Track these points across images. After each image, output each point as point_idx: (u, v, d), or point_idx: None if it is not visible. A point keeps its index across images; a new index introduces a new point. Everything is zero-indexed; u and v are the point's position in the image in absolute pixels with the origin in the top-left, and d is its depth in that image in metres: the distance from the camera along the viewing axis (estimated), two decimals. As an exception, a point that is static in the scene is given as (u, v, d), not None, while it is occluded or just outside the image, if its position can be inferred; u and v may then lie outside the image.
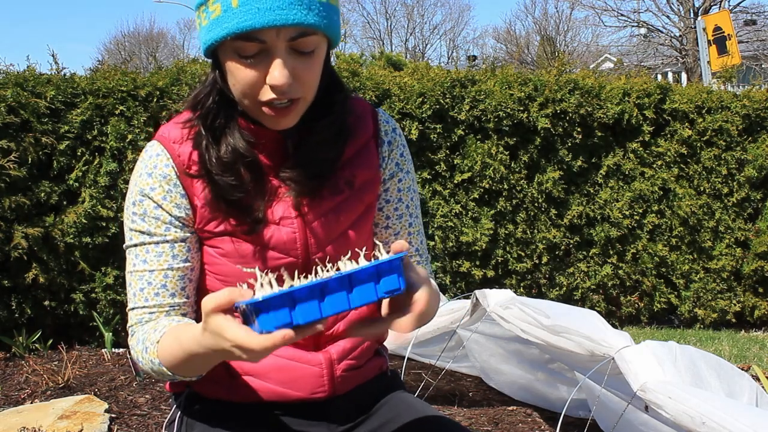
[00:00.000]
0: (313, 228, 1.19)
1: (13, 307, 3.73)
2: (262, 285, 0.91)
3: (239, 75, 1.07)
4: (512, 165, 4.54)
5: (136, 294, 1.16)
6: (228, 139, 1.14)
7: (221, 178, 1.13)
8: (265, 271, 0.97)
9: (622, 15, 23.35)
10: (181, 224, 1.16)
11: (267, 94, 1.07)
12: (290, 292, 0.86)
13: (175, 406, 1.30)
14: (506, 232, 4.55)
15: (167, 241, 1.16)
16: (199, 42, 1.14)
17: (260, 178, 1.16)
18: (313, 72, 1.09)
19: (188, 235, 1.17)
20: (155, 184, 1.15)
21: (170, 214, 1.16)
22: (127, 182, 3.79)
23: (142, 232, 1.16)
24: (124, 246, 1.19)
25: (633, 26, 23.63)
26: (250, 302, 0.86)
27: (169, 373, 1.10)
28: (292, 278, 0.94)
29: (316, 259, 1.19)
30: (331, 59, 1.22)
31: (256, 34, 1.03)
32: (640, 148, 4.85)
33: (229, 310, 0.92)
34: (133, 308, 1.17)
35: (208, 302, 0.92)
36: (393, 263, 0.91)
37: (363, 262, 0.93)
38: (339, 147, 1.19)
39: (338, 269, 0.93)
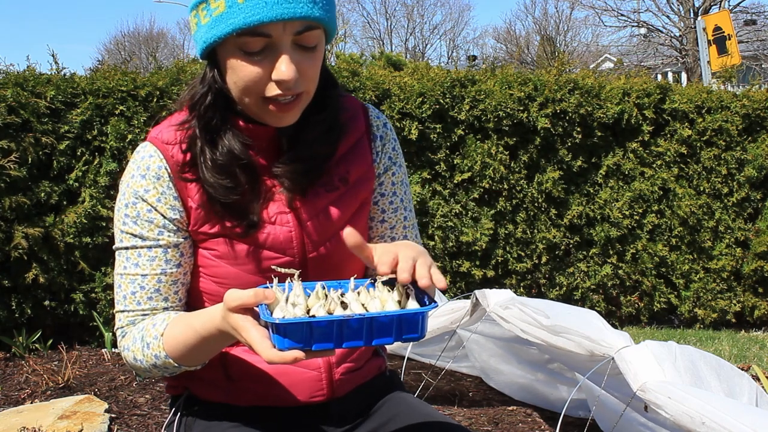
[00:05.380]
0: (308, 226, 1.18)
1: (13, 307, 3.73)
2: (287, 299, 0.93)
3: (243, 72, 1.06)
4: (512, 165, 4.54)
5: (127, 297, 1.15)
6: (223, 141, 1.13)
7: (216, 181, 1.12)
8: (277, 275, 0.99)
9: (622, 15, 23.36)
10: (174, 227, 1.15)
11: (272, 90, 1.06)
12: (310, 323, 0.88)
13: (173, 408, 1.30)
14: (506, 232, 4.54)
15: (160, 246, 1.14)
16: (195, 42, 1.12)
17: (255, 179, 1.15)
18: (316, 66, 1.09)
19: (181, 240, 1.16)
20: (149, 185, 1.14)
21: (164, 217, 1.14)
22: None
23: (134, 235, 1.15)
24: (113, 247, 1.18)
25: (633, 26, 23.63)
26: (270, 321, 0.88)
27: (175, 365, 1.10)
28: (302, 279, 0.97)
29: (312, 258, 1.19)
30: (327, 56, 1.22)
31: (263, 28, 1.02)
32: (640, 148, 4.85)
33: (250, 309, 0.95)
34: (123, 310, 1.16)
35: (231, 300, 0.94)
36: (417, 315, 0.91)
37: (390, 306, 0.94)
38: (332, 144, 1.18)
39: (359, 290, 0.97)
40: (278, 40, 1.03)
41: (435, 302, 0.93)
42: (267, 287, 0.96)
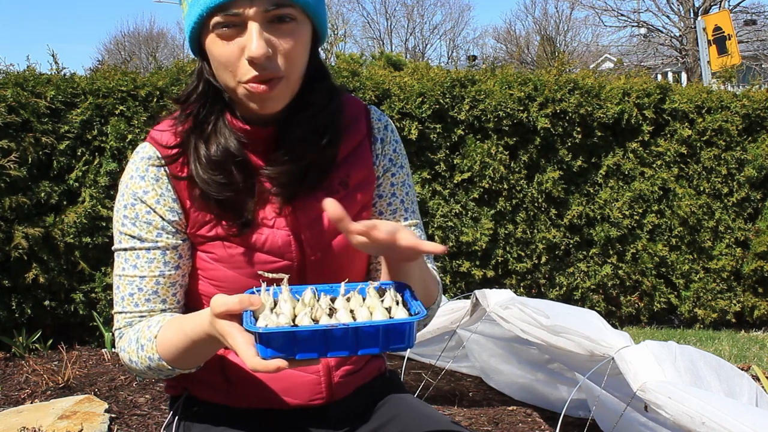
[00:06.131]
0: (307, 230, 1.17)
1: (13, 307, 3.73)
2: (275, 304, 0.92)
3: (217, 53, 1.05)
4: (512, 165, 4.54)
5: (125, 298, 1.15)
6: (218, 138, 1.12)
7: (210, 177, 1.11)
8: (269, 276, 0.97)
9: (622, 15, 23.36)
10: (173, 229, 1.14)
11: (247, 72, 1.04)
12: (293, 332, 0.86)
13: (173, 408, 1.30)
14: (506, 232, 4.54)
15: (158, 248, 1.14)
16: (185, 36, 1.13)
17: (250, 178, 1.13)
18: (295, 47, 1.06)
19: (180, 242, 1.15)
20: (148, 187, 1.14)
21: (163, 219, 1.14)
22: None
23: (133, 237, 1.14)
24: (113, 248, 1.17)
25: (633, 26, 23.64)
26: (253, 330, 0.87)
27: (169, 367, 1.10)
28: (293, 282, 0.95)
29: (311, 262, 1.18)
30: (327, 56, 1.21)
31: (229, 7, 1.02)
32: (640, 148, 4.85)
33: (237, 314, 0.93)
34: (121, 312, 1.16)
35: (217, 306, 0.92)
36: (404, 325, 0.89)
37: (378, 314, 0.92)
38: (332, 145, 1.16)
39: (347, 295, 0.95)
40: (246, 18, 1.03)
41: (424, 311, 0.91)
42: (254, 292, 0.95)
